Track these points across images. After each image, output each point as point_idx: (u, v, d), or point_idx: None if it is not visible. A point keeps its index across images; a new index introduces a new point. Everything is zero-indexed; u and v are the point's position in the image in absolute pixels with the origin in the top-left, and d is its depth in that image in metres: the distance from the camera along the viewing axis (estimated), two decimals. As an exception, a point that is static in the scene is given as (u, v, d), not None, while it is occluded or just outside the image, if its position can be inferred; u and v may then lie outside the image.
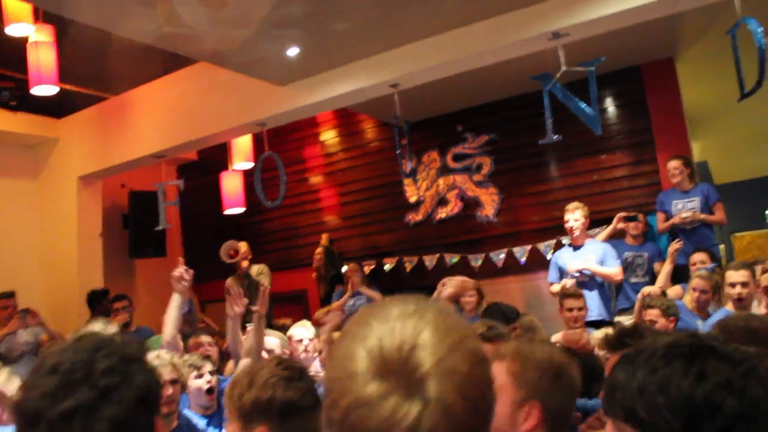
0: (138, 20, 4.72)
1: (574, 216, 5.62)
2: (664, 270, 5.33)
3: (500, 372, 1.70)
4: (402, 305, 0.89)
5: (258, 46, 5.22)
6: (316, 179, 8.79)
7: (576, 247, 5.70)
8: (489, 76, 6.11)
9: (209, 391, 3.48)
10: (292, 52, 5.39)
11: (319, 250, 7.54)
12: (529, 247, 7.16)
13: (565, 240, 6.47)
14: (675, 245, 5.41)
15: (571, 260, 5.63)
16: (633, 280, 5.91)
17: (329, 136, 8.72)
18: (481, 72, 5.64)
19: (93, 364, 1.16)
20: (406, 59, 5.47)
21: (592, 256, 5.56)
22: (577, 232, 5.63)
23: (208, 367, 3.54)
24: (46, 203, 7.86)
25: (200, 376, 3.50)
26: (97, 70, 7.25)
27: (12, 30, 5.56)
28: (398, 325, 0.84)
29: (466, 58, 5.27)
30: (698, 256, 5.33)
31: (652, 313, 4.09)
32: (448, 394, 0.79)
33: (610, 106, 6.99)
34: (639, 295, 4.76)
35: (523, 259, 7.18)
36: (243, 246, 6.51)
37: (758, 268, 4.49)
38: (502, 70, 5.83)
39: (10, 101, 7.33)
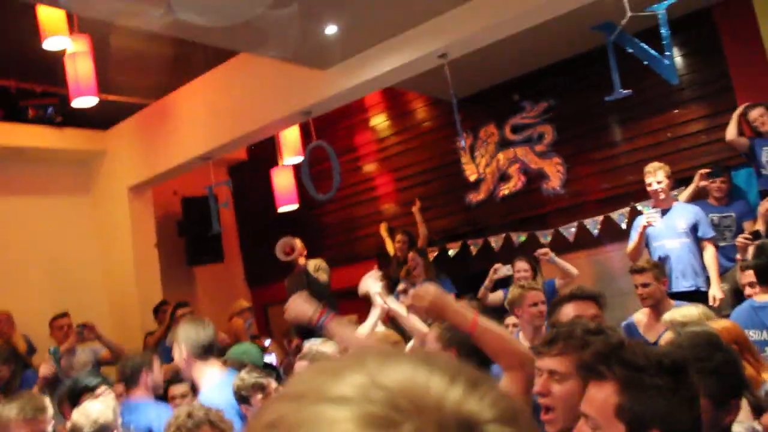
0: (165, 13, 4.46)
1: (657, 177, 5.13)
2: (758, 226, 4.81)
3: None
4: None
5: (293, 28, 4.91)
6: (369, 167, 8.46)
7: (663, 211, 5.19)
8: (543, 36, 5.65)
9: None
10: (330, 30, 5.05)
11: (399, 237, 7.13)
12: (601, 217, 6.66)
13: (640, 206, 5.97)
14: (766, 204, 4.88)
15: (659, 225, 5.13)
16: (722, 243, 5.37)
17: (379, 120, 8.38)
18: (534, 33, 5.20)
19: None
20: (453, 25, 5.07)
21: (682, 221, 5.07)
22: (662, 195, 5.14)
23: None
24: (100, 217, 7.78)
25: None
26: (137, 77, 7.12)
27: (50, 44, 5.44)
28: None
29: (518, 15, 4.84)
30: None
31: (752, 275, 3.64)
32: None
33: (678, 56, 6.40)
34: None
35: (596, 231, 6.69)
36: (298, 242, 6.23)
37: None
38: (556, 29, 5.38)
39: (55, 118, 7.26)
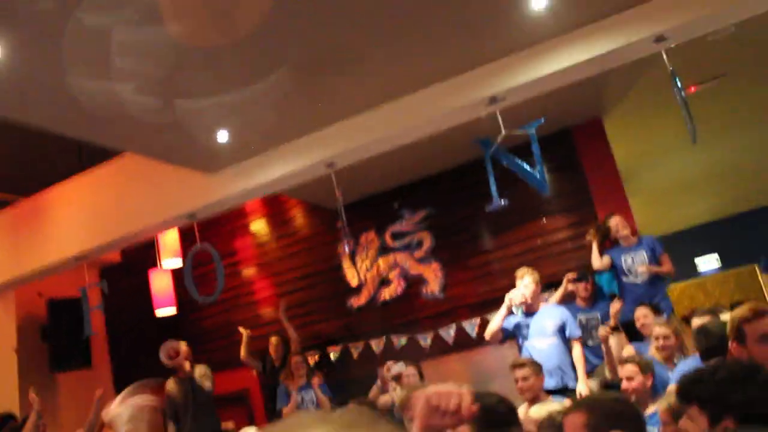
0: (48, 107, 4.38)
1: (524, 282, 5.45)
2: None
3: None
4: None
5: (184, 131, 4.95)
6: (249, 271, 8.39)
7: (530, 314, 5.49)
8: (425, 149, 6.00)
9: None
10: (220, 135, 5.12)
11: (274, 339, 7.01)
12: (478, 320, 6.94)
13: (515, 308, 6.29)
14: (616, 305, 5.37)
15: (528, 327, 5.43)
16: (590, 343, 5.73)
17: (259, 225, 8.40)
18: (417, 146, 5.52)
19: None
20: (341, 136, 5.29)
21: (550, 322, 5.36)
22: (529, 300, 5.44)
23: None
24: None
25: None
26: (7, 170, 6.81)
27: None
28: None
29: (404, 130, 5.14)
30: (641, 311, 5.25)
31: (630, 369, 3.91)
32: None
33: (545, 171, 7.00)
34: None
35: (473, 333, 6.94)
36: (183, 346, 6.01)
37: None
38: (438, 143, 5.74)
39: None
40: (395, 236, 7.59)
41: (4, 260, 6.98)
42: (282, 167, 5.54)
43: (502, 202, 4.83)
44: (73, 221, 6.53)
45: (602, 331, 4.98)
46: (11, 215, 7.08)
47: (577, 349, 5.29)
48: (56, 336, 7.72)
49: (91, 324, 6.16)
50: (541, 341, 5.33)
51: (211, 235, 7.63)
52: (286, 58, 4.21)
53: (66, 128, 4.78)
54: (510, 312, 5.48)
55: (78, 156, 6.89)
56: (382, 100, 5.09)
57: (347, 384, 6.82)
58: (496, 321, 5.49)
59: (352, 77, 4.64)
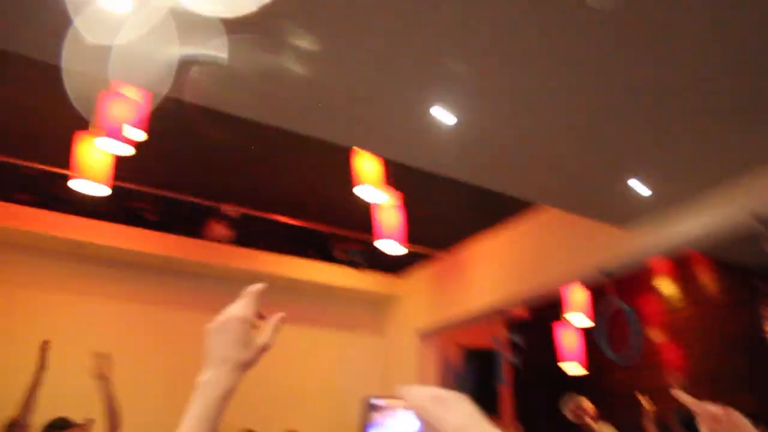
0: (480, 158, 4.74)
1: None
2: None
3: None
4: None
5: (599, 183, 4.90)
6: (655, 334, 7.85)
7: None
8: None
9: None
10: (640, 188, 4.93)
11: None
12: None
13: None
14: None
15: None
16: None
17: (665, 284, 7.83)
18: None
19: None
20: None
21: None
22: None
23: None
24: (389, 357, 8.15)
25: None
26: (432, 228, 7.55)
27: (362, 192, 5.95)
28: None
29: None
30: None
31: None
32: None
33: None
34: None
35: None
36: (585, 402, 5.85)
37: None
38: None
39: (361, 262, 7.97)
40: None
41: (429, 309, 7.75)
42: (703, 219, 5.08)
43: None
44: (489, 275, 6.95)
45: None
46: (436, 269, 7.85)
47: None
48: (469, 383, 8.21)
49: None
50: None
51: (615, 293, 7.38)
52: (716, 101, 3.88)
53: (488, 182, 5.10)
54: None
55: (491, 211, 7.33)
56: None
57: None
58: None
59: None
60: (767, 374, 6.72)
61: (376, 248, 6.48)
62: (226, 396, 1.21)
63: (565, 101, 3.97)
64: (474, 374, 8.04)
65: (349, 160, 5.80)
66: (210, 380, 1.21)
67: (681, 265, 7.65)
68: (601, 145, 4.46)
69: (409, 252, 6.98)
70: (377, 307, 8.44)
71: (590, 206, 5.43)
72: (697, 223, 5.17)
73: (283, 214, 7.45)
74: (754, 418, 5.02)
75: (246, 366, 1.26)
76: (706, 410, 1.72)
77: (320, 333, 8.01)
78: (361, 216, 6.48)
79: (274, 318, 1.30)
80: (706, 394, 6.67)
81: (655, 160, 4.66)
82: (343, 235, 7.97)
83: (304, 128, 4.34)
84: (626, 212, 5.41)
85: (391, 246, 6.31)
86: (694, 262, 7.51)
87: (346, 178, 5.92)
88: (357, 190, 5.87)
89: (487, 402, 8.23)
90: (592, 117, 4.13)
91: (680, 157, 4.58)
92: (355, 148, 5.33)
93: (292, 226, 7.58)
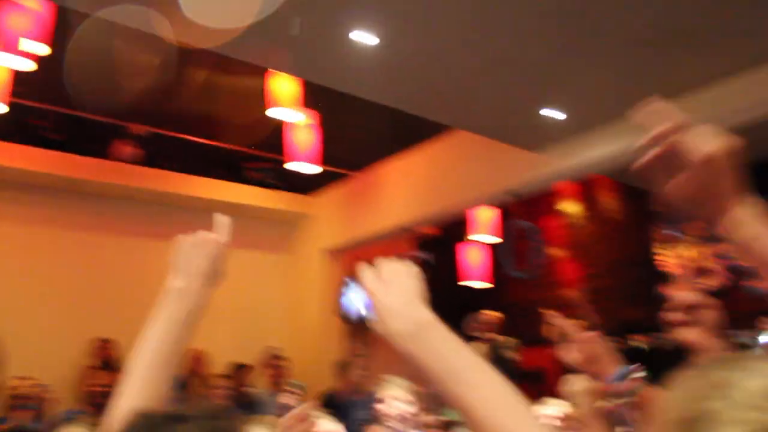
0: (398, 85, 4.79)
1: None
2: None
3: None
4: None
5: (512, 108, 5.06)
6: (556, 251, 8.32)
7: None
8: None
9: None
10: (555, 114, 5.12)
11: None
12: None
13: None
14: None
15: None
16: None
17: (569, 205, 8.25)
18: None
19: None
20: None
21: None
22: None
23: None
24: (295, 275, 8.29)
25: None
26: (346, 150, 7.58)
27: (276, 113, 5.89)
28: None
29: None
30: None
31: None
32: None
33: None
34: None
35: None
36: (493, 316, 6.20)
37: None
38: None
39: (271, 181, 7.93)
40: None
41: (339, 228, 7.86)
42: (611, 146, 5.34)
43: None
44: (400, 195, 7.09)
45: None
46: (349, 189, 7.92)
47: None
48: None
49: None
50: None
51: (519, 212, 7.72)
52: (634, 32, 4.05)
53: (404, 104, 5.16)
54: None
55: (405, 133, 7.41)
56: (729, 74, 4.64)
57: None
58: None
59: (702, 51, 4.31)
60: (654, 290, 7.27)
61: (288, 168, 6.49)
62: (200, 310, 1.27)
63: (482, 27, 4.04)
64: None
65: (264, 81, 5.71)
66: (185, 289, 1.28)
67: (585, 187, 8.05)
68: (517, 70, 4.57)
69: (323, 172, 7.01)
70: (288, 226, 8.45)
71: (505, 131, 5.59)
72: (605, 149, 5.43)
73: (193, 134, 7.24)
74: (642, 328, 5.41)
75: (213, 286, 1.32)
76: (578, 336, 1.90)
77: (230, 252, 7.95)
78: (275, 136, 6.43)
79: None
80: (602, 308, 7.17)
81: (570, 86, 4.82)
82: (255, 154, 7.87)
83: (230, 51, 4.24)
84: (539, 137, 5.61)
85: (304, 165, 6.34)
86: (597, 185, 7.91)
87: (259, 97, 5.84)
88: (271, 111, 5.81)
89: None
90: (509, 42, 4.21)
91: (595, 84, 4.75)
92: (271, 69, 5.25)
93: (203, 145, 7.39)
